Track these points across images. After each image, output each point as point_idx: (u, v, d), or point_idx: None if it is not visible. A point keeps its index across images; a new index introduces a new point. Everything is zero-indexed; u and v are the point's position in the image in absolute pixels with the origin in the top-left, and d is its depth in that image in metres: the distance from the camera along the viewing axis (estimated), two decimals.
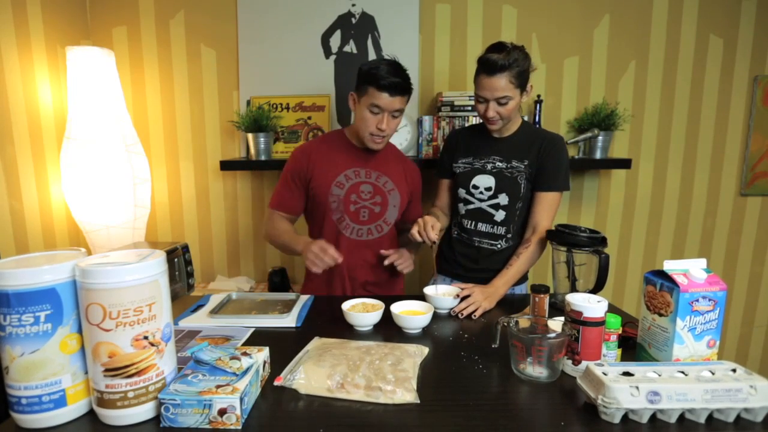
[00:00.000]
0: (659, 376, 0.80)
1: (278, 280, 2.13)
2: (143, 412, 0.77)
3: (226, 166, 2.07)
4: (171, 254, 1.51)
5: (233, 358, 0.85)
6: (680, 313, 0.88)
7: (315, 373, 0.89)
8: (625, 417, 0.77)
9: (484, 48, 1.39)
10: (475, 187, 1.49)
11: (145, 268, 0.76)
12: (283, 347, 1.03)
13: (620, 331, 0.97)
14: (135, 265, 0.75)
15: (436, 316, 1.24)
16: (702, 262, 0.93)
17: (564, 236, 1.29)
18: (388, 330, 1.16)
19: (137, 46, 2.18)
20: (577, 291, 1.30)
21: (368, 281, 1.55)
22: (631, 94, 2.19)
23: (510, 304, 1.38)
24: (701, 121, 2.22)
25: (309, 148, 1.54)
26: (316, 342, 1.07)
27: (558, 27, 2.13)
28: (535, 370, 0.91)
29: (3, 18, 1.69)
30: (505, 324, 0.98)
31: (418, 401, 0.84)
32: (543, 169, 1.43)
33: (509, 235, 1.50)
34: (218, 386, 0.77)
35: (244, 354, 0.87)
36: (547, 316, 1.11)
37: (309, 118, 2.18)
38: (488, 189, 1.47)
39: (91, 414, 0.79)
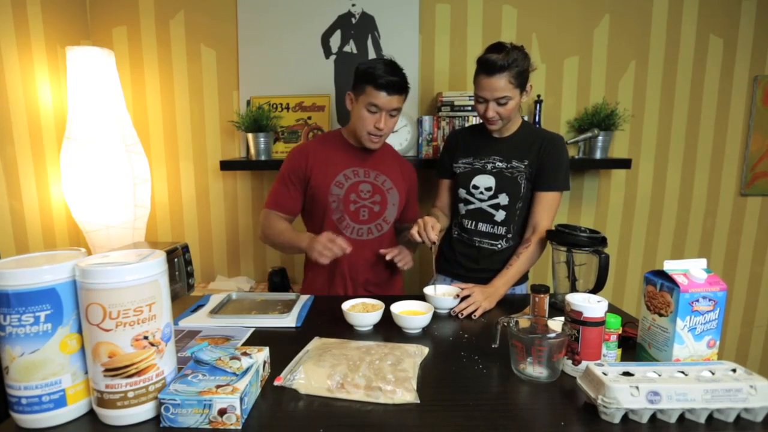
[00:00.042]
0: (659, 376, 0.80)
1: (278, 280, 2.13)
2: (143, 412, 0.77)
3: (226, 166, 2.07)
4: (171, 254, 1.51)
5: (233, 358, 0.85)
6: (680, 313, 0.88)
7: (315, 373, 0.89)
8: (625, 417, 0.77)
9: (484, 48, 1.39)
10: (476, 187, 1.49)
11: (145, 268, 0.76)
12: (283, 347, 1.03)
13: (620, 331, 0.97)
14: (135, 265, 0.75)
15: (436, 316, 1.24)
16: (702, 262, 0.93)
17: (564, 236, 1.29)
18: (388, 330, 1.16)
19: (137, 46, 2.18)
20: (577, 291, 1.30)
21: (369, 280, 1.55)
22: (631, 94, 2.19)
23: (510, 304, 1.38)
24: (701, 121, 2.22)
25: (307, 148, 1.54)
26: (316, 342, 1.07)
27: (558, 27, 2.13)
28: (535, 370, 0.91)
29: (3, 18, 1.69)
30: (505, 324, 0.98)
31: (418, 401, 0.84)
32: (543, 169, 1.43)
33: (510, 235, 1.50)
34: (218, 386, 0.77)
35: (244, 354, 0.87)
36: (547, 316, 1.11)
37: (309, 118, 2.18)
38: (488, 189, 1.47)
39: (91, 414, 0.79)
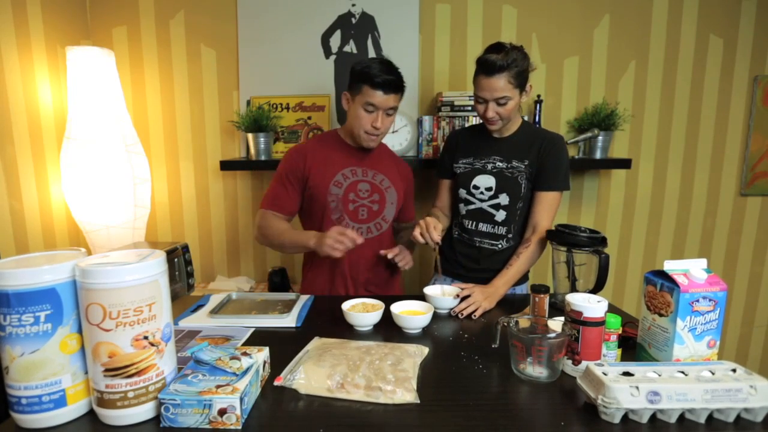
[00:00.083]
0: (659, 376, 0.80)
1: (278, 280, 2.13)
2: (143, 412, 0.77)
3: (226, 166, 2.07)
4: (171, 254, 1.51)
5: (233, 358, 0.85)
6: (680, 314, 0.88)
7: (315, 373, 0.88)
8: (625, 417, 0.77)
9: (484, 48, 1.39)
10: (476, 187, 1.49)
11: (145, 268, 0.76)
12: (283, 347, 1.03)
13: (620, 331, 0.97)
14: (135, 265, 0.75)
15: (436, 316, 1.24)
16: (702, 262, 0.93)
17: (564, 236, 1.29)
18: (388, 330, 1.16)
19: (137, 46, 2.18)
20: (577, 291, 1.30)
21: (369, 280, 1.55)
22: (631, 94, 2.19)
23: (510, 304, 1.38)
24: (701, 121, 2.22)
25: (304, 148, 1.54)
26: (316, 342, 1.07)
27: (558, 27, 2.13)
28: (535, 370, 0.91)
29: (3, 18, 1.69)
30: (505, 324, 0.98)
31: (418, 401, 0.84)
32: (543, 169, 1.43)
33: (510, 235, 1.50)
34: (218, 386, 0.77)
35: (244, 354, 0.87)
36: (547, 316, 1.11)
37: (309, 118, 2.18)
38: (489, 189, 1.47)
39: (91, 414, 0.79)
